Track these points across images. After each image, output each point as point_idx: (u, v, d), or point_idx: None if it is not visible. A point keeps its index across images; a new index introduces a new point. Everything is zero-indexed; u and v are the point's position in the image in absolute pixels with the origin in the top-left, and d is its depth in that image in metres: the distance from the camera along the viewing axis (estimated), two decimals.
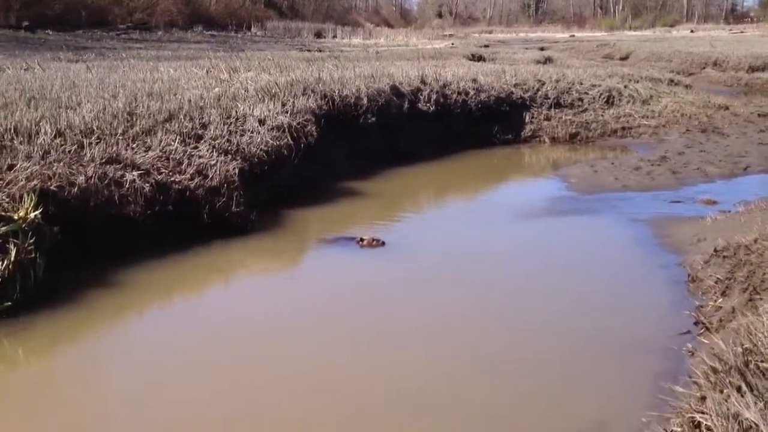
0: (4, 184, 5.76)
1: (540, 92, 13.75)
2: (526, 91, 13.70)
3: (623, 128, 13.34)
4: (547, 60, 23.57)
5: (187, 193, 7.02)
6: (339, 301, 5.76)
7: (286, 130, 8.88)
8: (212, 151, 7.71)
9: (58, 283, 5.60)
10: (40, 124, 7.10)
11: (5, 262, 5.22)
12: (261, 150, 8.27)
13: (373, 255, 6.74)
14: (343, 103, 10.64)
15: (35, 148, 6.51)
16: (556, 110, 13.53)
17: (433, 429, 4.01)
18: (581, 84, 14.43)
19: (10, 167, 6.05)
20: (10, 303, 5.17)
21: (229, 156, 7.84)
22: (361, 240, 6.94)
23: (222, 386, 4.40)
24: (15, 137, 6.72)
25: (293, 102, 9.64)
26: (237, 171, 7.60)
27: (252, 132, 8.50)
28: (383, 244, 6.90)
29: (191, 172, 7.24)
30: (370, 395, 4.34)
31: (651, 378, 4.40)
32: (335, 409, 4.18)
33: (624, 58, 30.59)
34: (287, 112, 9.26)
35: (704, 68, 25.44)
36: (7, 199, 5.61)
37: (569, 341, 5.01)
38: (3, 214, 5.45)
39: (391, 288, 6.06)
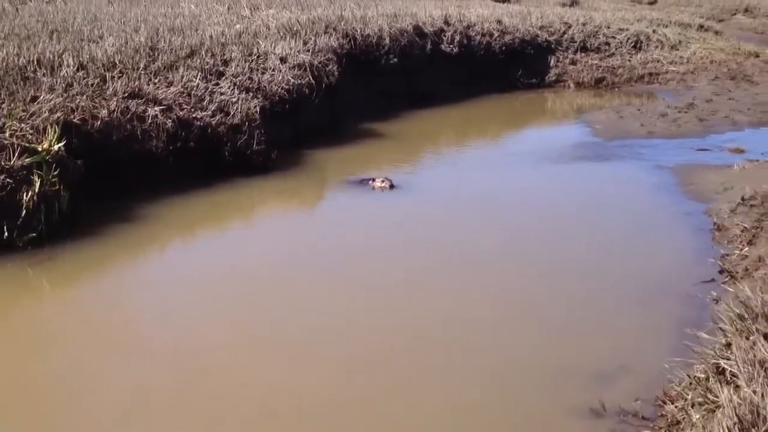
0: (27, 116, 5.74)
1: (566, 35, 13.44)
2: (551, 34, 13.40)
3: (650, 74, 13.08)
4: (574, 2, 22.94)
5: (209, 130, 6.99)
6: (354, 242, 5.75)
7: (308, 68, 8.76)
8: (234, 89, 7.64)
9: (81, 216, 5.63)
10: (63, 56, 7.05)
11: (30, 194, 5.24)
12: (282, 89, 8.18)
13: (388, 197, 6.70)
14: (365, 42, 10.45)
15: (58, 81, 6.47)
16: (582, 54, 13.25)
17: (453, 372, 4.02)
18: (608, 27, 14.09)
19: (34, 99, 6.03)
20: (34, 234, 5.22)
21: (251, 94, 7.77)
22: (373, 181, 6.89)
23: (240, 319, 4.44)
24: (38, 69, 6.68)
25: (315, 40, 9.48)
26: (258, 109, 7.55)
27: (273, 70, 8.39)
28: (392, 186, 6.83)
29: (213, 108, 7.19)
30: (388, 335, 4.36)
31: (674, 324, 4.38)
32: (346, 343, 4.21)
33: (653, 2, 29.69)
34: (309, 51, 9.11)
35: (735, 14, 24.76)
36: (31, 131, 5.61)
37: (591, 287, 5.00)
38: (27, 145, 5.45)
39: (408, 229, 6.04)
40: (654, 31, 14.53)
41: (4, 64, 6.56)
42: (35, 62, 6.81)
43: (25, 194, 5.23)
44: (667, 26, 15.46)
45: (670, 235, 5.92)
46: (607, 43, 13.65)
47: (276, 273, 5.16)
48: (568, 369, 4.00)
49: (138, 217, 5.92)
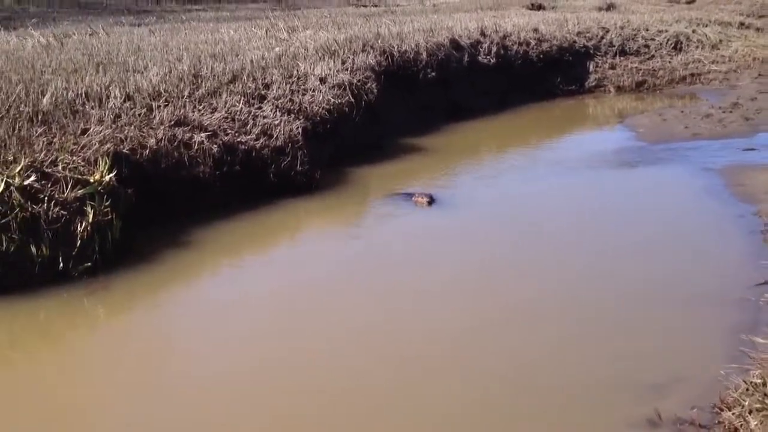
0: (78, 148, 5.92)
1: (604, 40, 13.36)
2: (589, 39, 13.33)
3: (692, 75, 12.91)
4: (610, 6, 22.71)
5: (253, 153, 7.12)
6: (399, 258, 5.79)
7: (347, 87, 8.86)
8: (276, 111, 7.77)
9: (133, 244, 5.77)
10: (110, 88, 7.25)
11: (84, 225, 5.39)
12: (323, 108, 8.29)
13: (428, 212, 6.72)
14: (403, 58, 10.53)
15: (106, 112, 6.66)
16: (621, 58, 13.14)
17: (509, 387, 4.02)
18: (647, 30, 13.96)
19: (84, 131, 6.21)
20: (89, 263, 5.35)
21: (292, 115, 7.89)
22: (415, 197, 6.92)
23: (296, 341, 4.50)
24: (86, 102, 6.89)
25: (353, 59, 9.59)
26: (300, 130, 7.65)
27: (313, 91, 8.51)
28: (433, 201, 6.86)
29: (256, 132, 7.32)
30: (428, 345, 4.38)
31: (728, 330, 4.31)
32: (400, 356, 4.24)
33: (691, 2, 29.19)
34: (347, 70, 9.23)
35: None
36: (83, 163, 5.78)
37: (642, 293, 4.95)
38: (80, 177, 5.62)
39: (450, 244, 6.05)
40: (693, 31, 14.34)
41: (54, 98, 6.77)
42: (83, 95, 7.02)
43: (79, 225, 5.38)
44: (706, 25, 15.24)
45: (721, 239, 5.83)
46: (647, 46, 13.52)
47: (322, 291, 5.23)
48: (622, 379, 3.97)
49: (188, 243, 6.04)
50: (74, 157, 5.81)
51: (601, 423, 3.66)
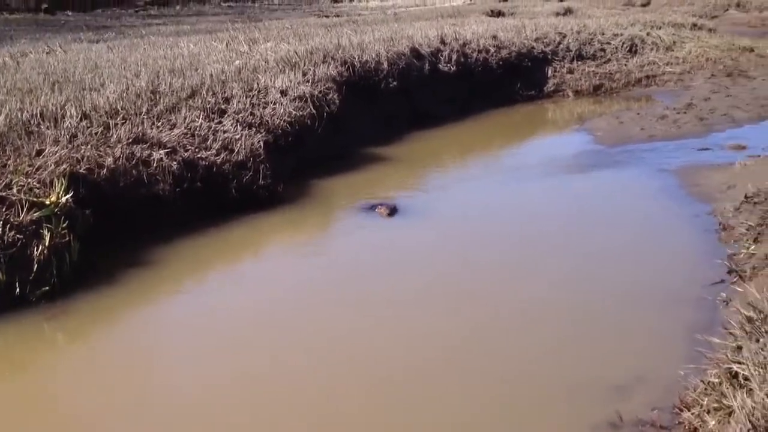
0: (33, 170, 5.82)
1: (561, 45, 13.54)
2: (547, 45, 13.50)
3: (647, 77, 13.14)
4: (567, 11, 23.07)
5: (214, 169, 7.06)
6: (366, 270, 5.80)
7: (309, 99, 8.86)
8: (236, 126, 7.74)
9: (92, 265, 5.68)
10: (66, 107, 7.15)
11: (40, 248, 5.29)
12: (284, 121, 8.28)
13: (394, 222, 6.74)
14: (364, 68, 10.56)
15: (62, 132, 6.56)
16: (579, 62, 13.33)
17: (466, 389, 4.05)
18: (603, 34, 14.19)
19: (39, 152, 6.11)
20: (47, 287, 5.25)
21: (254, 129, 7.86)
22: (378, 208, 6.95)
23: (261, 361, 4.48)
24: (41, 122, 6.78)
25: (314, 71, 9.59)
26: (262, 144, 7.63)
27: (275, 104, 8.49)
28: (395, 211, 6.89)
29: (217, 147, 7.27)
30: (402, 359, 4.40)
31: (686, 329, 4.39)
32: (371, 372, 4.25)
33: (645, 5, 29.80)
34: (308, 82, 9.23)
35: (727, 10, 24.83)
36: (38, 185, 5.68)
37: (600, 295, 5.02)
38: (35, 200, 5.52)
39: (420, 252, 6.09)
40: (648, 34, 14.61)
41: (8, 120, 6.66)
42: (38, 115, 6.91)
43: (35, 248, 5.28)
44: (660, 28, 15.54)
45: (677, 238, 5.94)
46: (603, 50, 13.74)
47: (288, 306, 5.22)
48: (581, 381, 4.02)
49: (148, 261, 5.98)
50: (29, 179, 5.70)
51: (563, 426, 3.70)
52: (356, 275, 5.70)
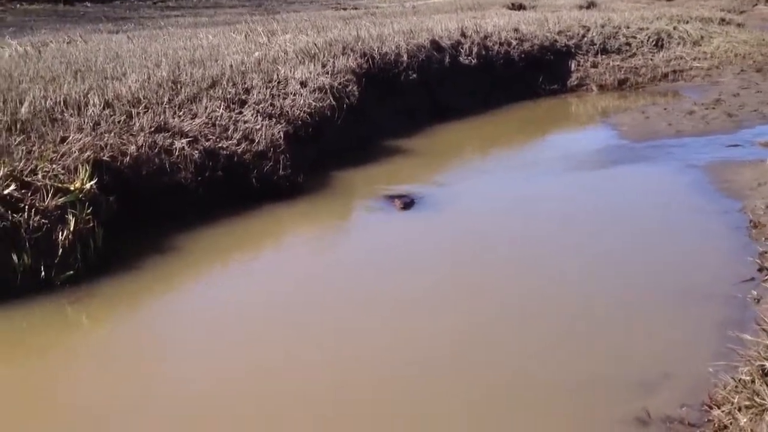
0: (58, 157, 5.84)
1: (585, 38, 13.38)
2: (570, 38, 13.35)
3: (674, 72, 12.95)
4: (591, 4, 22.86)
5: (235, 158, 7.06)
6: (379, 264, 5.74)
7: (328, 91, 8.82)
8: (257, 116, 7.72)
9: (116, 251, 5.70)
10: (89, 95, 7.17)
11: (65, 233, 5.32)
12: (304, 112, 8.24)
13: (411, 215, 6.68)
14: (383, 60, 10.50)
15: (86, 120, 6.58)
16: (603, 56, 13.17)
17: (496, 385, 3.99)
18: (628, 28, 14.01)
19: (63, 139, 6.14)
20: (72, 272, 5.29)
21: (274, 120, 7.84)
22: (395, 200, 6.89)
23: (272, 354, 4.44)
24: (65, 110, 6.80)
25: (333, 62, 9.55)
26: (282, 134, 7.61)
27: (294, 95, 8.46)
28: (412, 203, 6.83)
29: (238, 137, 7.26)
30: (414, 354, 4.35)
31: (716, 326, 4.31)
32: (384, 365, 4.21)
33: None
34: (328, 73, 9.18)
35: (756, 5, 24.48)
36: (63, 171, 5.71)
37: (629, 291, 4.94)
38: (60, 185, 5.54)
39: (434, 247, 6.01)
40: (675, 28, 14.41)
41: (32, 107, 6.68)
42: (62, 103, 6.94)
43: (60, 233, 5.31)
44: (687, 22, 15.34)
45: (707, 235, 5.84)
46: (628, 44, 13.56)
47: (308, 297, 5.19)
48: (610, 377, 3.96)
49: (170, 249, 5.98)
50: (54, 166, 5.74)
51: (590, 421, 3.64)
52: (369, 270, 5.64)
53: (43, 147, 5.94)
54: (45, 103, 6.86)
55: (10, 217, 5.17)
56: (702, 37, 14.21)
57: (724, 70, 12.83)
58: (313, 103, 8.42)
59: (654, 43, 13.68)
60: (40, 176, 5.56)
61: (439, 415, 3.74)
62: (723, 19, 16.89)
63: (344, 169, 8.13)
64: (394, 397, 3.93)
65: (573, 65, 12.97)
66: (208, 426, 3.74)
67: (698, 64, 13.09)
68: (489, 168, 8.59)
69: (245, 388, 4.05)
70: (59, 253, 5.26)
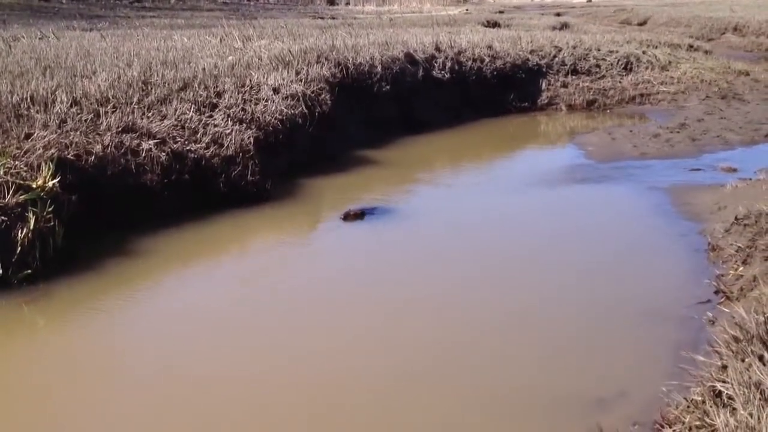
0: (21, 153, 5.77)
1: (557, 59, 13.56)
2: (542, 57, 13.51)
3: (642, 95, 13.16)
4: (564, 26, 23.25)
5: (203, 162, 7.02)
6: (350, 273, 5.75)
7: (301, 98, 8.83)
8: (227, 120, 7.69)
9: (76, 251, 5.63)
10: (56, 92, 7.10)
11: (24, 231, 5.25)
12: (276, 119, 8.23)
13: (378, 226, 6.69)
14: (357, 71, 10.54)
15: (52, 117, 6.51)
16: (573, 77, 13.35)
17: (447, 399, 4.01)
18: (599, 50, 14.22)
19: (28, 136, 6.06)
20: (29, 271, 5.22)
21: (244, 125, 7.82)
22: (353, 211, 6.88)
23: (238, 356, 4.42)
24: (31, 106, 6.73)
25: (307, 70, 9.57)
26: (252, 140, 7.58)
27: (266, 101, 8.45)
28: (364, 214, 6.84)
29: (207, 141, 7.23)
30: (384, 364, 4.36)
31: (671, 347, 4.37)
32: (349, 377, 4.21)
33: (642, 24, 30.16)
34: (301, 81, 9.19)
35: (724, 33, 25.03)
36: (26, 168, 5.64)
37: (587, 310, 4.99)
38: (21, 182, 5.47)
39: (400, 258, 6.05)
40: (644, 52, 14.65)
41: None
42: (29, 99, 6.86)
43: (20, 231, 5.23)
44: (656, 47, 15.61)
45: (666, 256, 5.93)
46: (598, 66, 13.76)
47: (269, 304, 5.17)
48: (564, 394, 3.99)
49: (133, 251, 5.92)
50: (17, 162, 5.66)
51: None
52: (329, 279, 5.64)
53: (6, 143, 5.86)
54: (11, 98, 6.77)
55: None
56: (670, 63, 14.47)
57: (690, 96, 13.08)
58: (285, 110, 8.41)
59: (623, 66, 13.90)
60: (1, 172, 5.49)
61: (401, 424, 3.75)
62: (691, 46, 17.23)
63: (314, 178, 8.13)
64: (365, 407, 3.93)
65: (544, 84, 13.13)
66: (164, 430, 3.70)
67: (665, 89, 13.33)
68: (455, 183, 8.63)
69: (203, 392, 4.01)
70: (17, 251, 5.19)
